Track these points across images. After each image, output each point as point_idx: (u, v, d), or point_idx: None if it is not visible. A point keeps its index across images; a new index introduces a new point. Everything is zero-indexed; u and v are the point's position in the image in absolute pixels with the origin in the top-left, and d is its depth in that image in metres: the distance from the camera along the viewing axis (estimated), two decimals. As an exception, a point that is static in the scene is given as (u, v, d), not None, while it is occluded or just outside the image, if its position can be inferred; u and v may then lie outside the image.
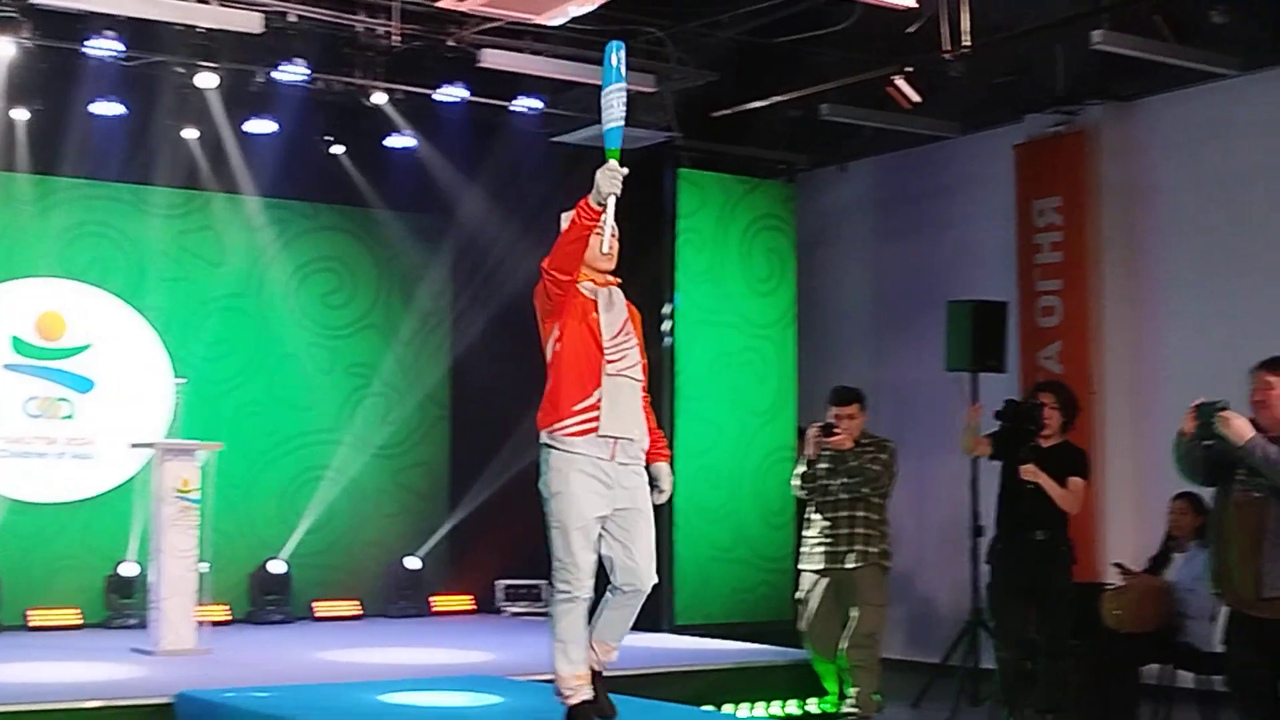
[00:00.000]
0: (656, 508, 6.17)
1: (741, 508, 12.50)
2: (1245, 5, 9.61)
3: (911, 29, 9.61)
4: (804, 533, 9.07)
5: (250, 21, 9.70)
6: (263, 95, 11.17)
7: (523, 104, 11.45)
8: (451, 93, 11.12)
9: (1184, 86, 10.85)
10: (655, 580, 6.18)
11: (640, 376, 6.16)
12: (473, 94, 11.16)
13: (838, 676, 9.03)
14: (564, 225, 6.03)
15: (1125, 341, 11.21)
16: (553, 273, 5.98)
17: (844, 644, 8.84)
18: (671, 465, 6.41)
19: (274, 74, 10.60)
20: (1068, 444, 8.69)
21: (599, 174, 5.82)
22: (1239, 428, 6.88)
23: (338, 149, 12.17)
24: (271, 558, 12.62)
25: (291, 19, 10.09)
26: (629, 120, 6.02)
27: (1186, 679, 9.36)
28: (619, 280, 6.23)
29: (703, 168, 12.62)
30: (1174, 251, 11.07)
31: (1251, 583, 6.94)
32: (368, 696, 7.50)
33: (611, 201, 5.83)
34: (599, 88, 5.94)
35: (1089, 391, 10.86)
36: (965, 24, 9.67)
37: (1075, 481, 8.57)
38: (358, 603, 12.89)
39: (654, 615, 12.09)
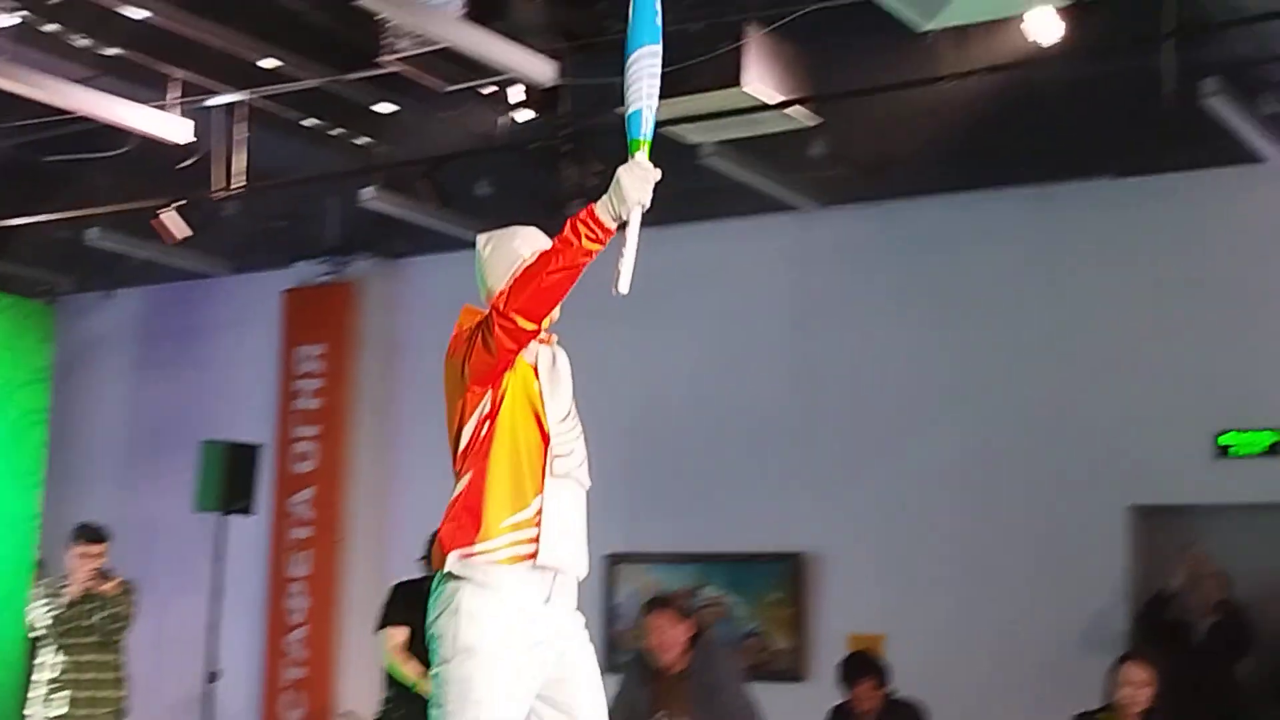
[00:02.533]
0: None
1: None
2: (512, 180, 10.18)
3: (184, 165, 9.58)
4: (36, 676, 8.56)
5: None
6: None
7: None
8: None
9: (449, 250, 11.34)
10: None
11: (588, 480, 4.34)
12: None
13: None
14: (519, 258, 4.26)
15: (373, 489, 11.51)
16: (514, 317, 4.07)
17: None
18: None
19: None
20: None
21: (622, 173, 3.97)
22: None
23: None
24: None
25: None
26: None
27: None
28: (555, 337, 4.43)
29: (-42, 280, 12.02)
30: (422, 406, 11.46)
31: None
32: None
33: (638, 215, 4.00)
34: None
35: (336, 539, 11.02)
36: (239, 166, 9.74)
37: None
38: None
39: None
